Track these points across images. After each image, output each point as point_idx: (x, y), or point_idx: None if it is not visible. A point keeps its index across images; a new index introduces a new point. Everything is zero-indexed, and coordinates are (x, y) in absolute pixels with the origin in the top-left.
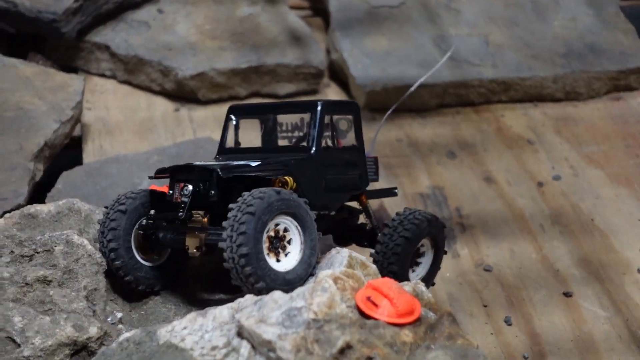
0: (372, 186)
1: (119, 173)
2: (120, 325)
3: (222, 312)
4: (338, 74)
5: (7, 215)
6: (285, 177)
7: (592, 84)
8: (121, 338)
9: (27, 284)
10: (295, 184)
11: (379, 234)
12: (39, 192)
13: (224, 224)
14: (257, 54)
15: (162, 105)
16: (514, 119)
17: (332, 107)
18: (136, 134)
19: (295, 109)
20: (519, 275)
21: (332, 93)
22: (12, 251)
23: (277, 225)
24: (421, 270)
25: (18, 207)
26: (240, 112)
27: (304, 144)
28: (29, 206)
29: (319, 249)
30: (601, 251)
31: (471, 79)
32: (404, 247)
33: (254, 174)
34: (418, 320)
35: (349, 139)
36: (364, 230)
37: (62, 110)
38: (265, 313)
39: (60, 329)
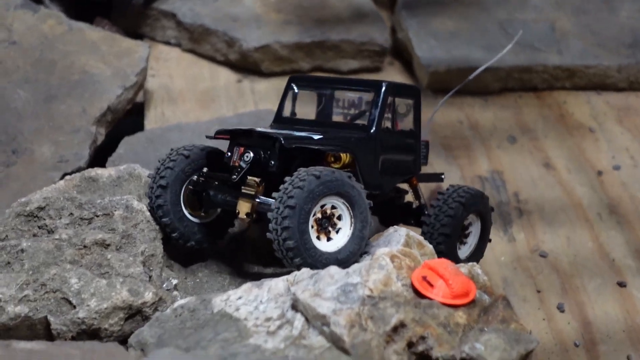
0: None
1: (180, 141)
2: (175, 292)
3: (277, 284)
4: (402, 53)
5: (67, 177)
6: (341, 154)
7: None
8: (176, 305)
9: (85, 246)
10: (351, 160)
11: (426, 213)
12: (100, 156)
13: (274, 194)
14: (322, 29)
15: (225, 75)
16: (577, 106)
17: (395, 89)
18: (198, 103)
19: (358, 86)
20: (573, 263)
21: (395, 72)
22: (71, 213)
23: (323, 206)
24: (469, 246)
25: (79, 169)
26: (302, 82)
27: (364, 122)
28: (89, 169)
29: (371, 222)
30: None
31: (535, 65)
32: (450, 226)
33: (316, 147)
34: (472, 303)
35: (407, 123)
36: (411, 209)
37: (126, 75)
38: (320, 287)
39: (116, 293)
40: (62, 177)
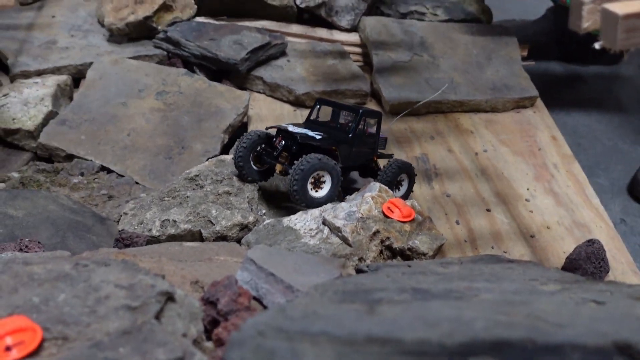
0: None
1: None
2: (264, 217)
3: (315, 211)
4: (376, 95)
5: (210, 159)
6: (334, 147)
7: (505, 103)
8: (264, 223)
9: (219, 194)
10: (335, 149)
11: (379, 173)
12: (225, 149)
13: (292, 168)
14: (336, 84)
15: (287, 108)
16: (464, 120)
17: (366, 113)
18: (274, 121)
19: (348, 109)
20: (464, 199)
21: (372, 104)
22: (212, 178)
23: (318, 174)
24: (402, 191)
25: (214, 156)
26: (323, 102)
27: (348, 128)
28: (220, 156)
29: (339, 186)
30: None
31: (443, 99)
32: (389, 179)
33: (315, 143)
34: (413, 220)
35: (371, 129)
36: (374, 170)
37: (238, 108)
38: (337, 213)
39: (234, 217)
40: (207, 159)
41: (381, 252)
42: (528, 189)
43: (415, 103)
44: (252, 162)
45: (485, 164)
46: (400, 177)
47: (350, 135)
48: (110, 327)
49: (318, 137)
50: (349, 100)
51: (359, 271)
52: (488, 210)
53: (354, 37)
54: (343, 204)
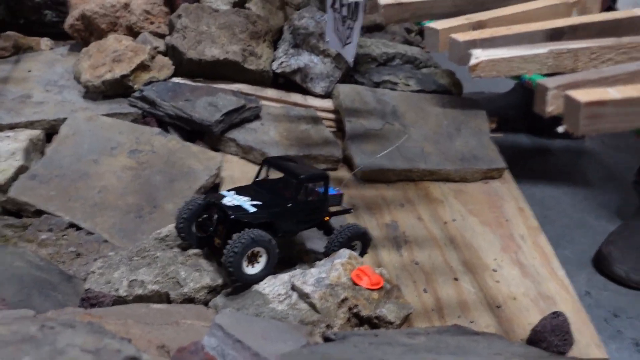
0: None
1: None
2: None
3: (284, 277)
4: (348, 160)
5: None
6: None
7: (474, 174)
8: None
9: (188, 255)
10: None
11: (331, 234)
12: None
13: (230, 241)
14: (308, 148)
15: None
16: (434, 189)
17: (307, 179)
18: (246, 183)
19: (290, 175)
20: (432, 268)
21: (343, 169)
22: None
23: (253, 250)
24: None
25: None
26: (269, 163)
27: (290, 197)
28: None
29: (275, 261)
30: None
31: (413, 168)
32: (337, 246)
33: (246, 220)
34: (381, 288)
35: (318, 193)
36: (329, 230)
37: (211, 169)
38: (306, 279)
39: (203, 279)
40: None
41: (349, 319)
42: (495, 259)
43: (387, 171)
44: (195, 230)
45: (453, 233)
46: (353, 243)
47: (289, 205)
48: None
49: (252, 210)
50: (321, 165)
51: (326, 339)
52: (456, 279)
53: (327, 104)
54: (313, 270)
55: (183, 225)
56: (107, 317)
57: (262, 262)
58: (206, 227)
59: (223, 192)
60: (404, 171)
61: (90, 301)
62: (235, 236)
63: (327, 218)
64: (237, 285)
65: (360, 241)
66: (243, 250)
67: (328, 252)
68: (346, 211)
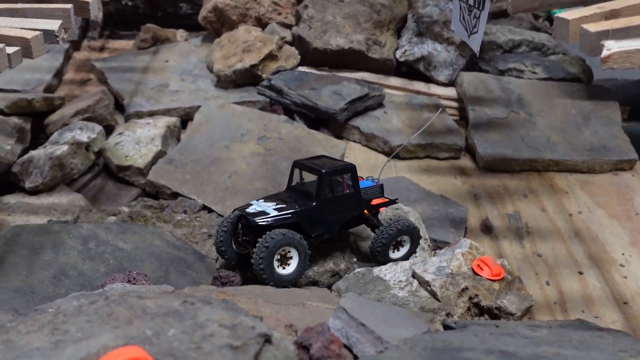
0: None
1: None
2: (355, 265)
3: (405, 264)
4: (470, 150)
5: None
6: (294, 222)
7: (603, 165)
8: (355, 271)
9: (420, 236)
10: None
11: (377, 230)
12: None
13: (254, 252)
14: (431, 137)
15: (382, 158)
16: (559, 180)
17: (331, 173)
18: (368, 170)
19: (312, 171)
20: (555, 260)
21: (466, 159)
22: None
23: (284, 250)
24: (402, 252)
25: None
26: (297, 165)
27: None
28: None
29: (308, 258)
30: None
31: (539, 158)
32: (384, 241)
33: (265, 224)
34: (502, 279)
35: (348, 187)
36: (372, 225)
37: (334, 156)
38: (426, 267)
39: (327, 263)
40: None
41: (469, 309)
42: (623, 254)
43: (510, 160)
44: (234, 246)
45: (579, 225)
46: (401, 238)
47: (315, 202)
48: None
49: (273, 213)
50: (443, 154)
51: (446, 327)
52: (580, 272)
53: (451, 92)
54: (433, 258)
55: (223, 243)
56: (239, 296)
57: (293, 262)
58: (240, 243)
59: (252, 201)
60: (529, 161)
61: (221, 280)
62: (259, 241)
63: (366, 212)
64: (269, 284)
65: (409, 237)
66: (269, 253)
67: (373, 251)
68: (391, 202)
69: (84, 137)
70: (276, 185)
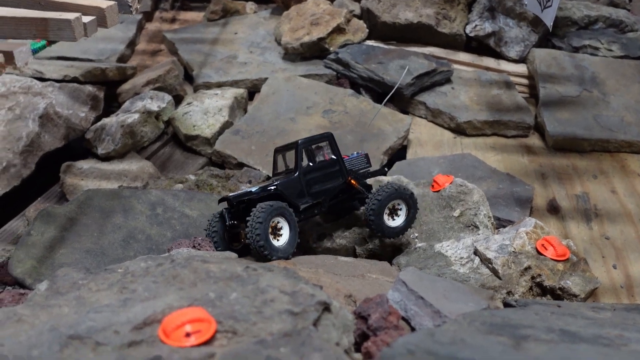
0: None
1: (423, 166)
2: (416, 240)
3: (467, 240)
4: (540, 128)
5: (368, 180)
6: (276, 192)
7: None
8: (416, 246)
9: (416, 200)
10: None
11: (366, 199)
12: None
13: (247, 230)
14: (499, 114)
15: (448, 134)
16: (632, 162)
17: (307, 142)
18: (433, 147)
19: (289, 147)
20: (623, 243)
21: (535, 137)
22: None
23: (274, 221)
24: (399, 220)
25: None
26: (277, 151)
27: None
28: (377, 177)
29: (297, 231)
30: None
31: (611, 139)
32: (375, 207)
33: (248, 198)
34: (567, 260)
35: (328, 154)
36: (361, 200)
37: (399, 131)
38: (489, 244)
39: (388, 239)
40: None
41: (531, 288)
42: None
43: (581, 140)
44: (228, 242)
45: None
46: (394, 203)
47: (296, 173)
48: (273, 327)
49: (255, 189)
50: (511, 132)
51: (506, 305)
52: None
53: (521, 68)
54: (496, 236)
55: (217, 240)
56: (299, 265)
57: (285, 233)
58: (235, 235)
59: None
60: (600, 141)
61: None
62: (249, 218)
63: (353, 181)
64: (266, 256)
65: (404, 201)
66: (264, 227)
67: (367, 219)
68: (380, 172)
69: (154, 106)
70: None
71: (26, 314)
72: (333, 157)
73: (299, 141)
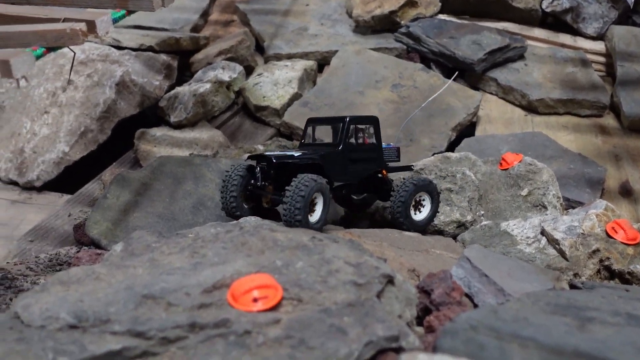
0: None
1: (491, 143)
2: (482, 218)
3: (534, 220)
4: (615, 108)
5: (435, 155)
6: (318, 162)
7: None
8: (482, 224)
9: (440, 190)
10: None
11: (392, 192)
12: (451, 147)
13: (285, 196)
14: (573, 92)
15: (518, 112)
16: None
17: (355, 120)
18: (503, 124)
19: (335, 121)
20: None
21: (610, 118)
22: (435, 173)
23: (313, 196)
24: (424, 212)
25: (440, 152)
26: (312, 122)
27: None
28: (446, 152)
29: (328, 209)
30: None
31: None
32: (403, 199)
33: (292, 162)
34: (638, 244)
35: (371, 139)
36: (385, 189)
37: (469, 108)
38: (557, 225)
39: (453, 214)
40: (433, 155)
41: (599, 271)
42: None
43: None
44: (243, 201)
45: None
46: (419, 196)
47: (339, 147)
48: (337, 297)
49: (297, 154)
50: (585, 111)
51: (572, 286)
52: None
53: (598, 46)
54: (565, 217)
55: (235, 195)
56: (364, 238)
57: (318, 208)
58: (252, 194)
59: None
60: None
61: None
62: (294, 182)
63: (384, 172)
64: (299, 227)
65: (428, 194)
66: (306, 202)
67: (394, 212)
68: (407, 168)
69: (225, 76)
70: (407, 133)
71: (103, 272)
72: (374, 142)
73: (348, 117)
